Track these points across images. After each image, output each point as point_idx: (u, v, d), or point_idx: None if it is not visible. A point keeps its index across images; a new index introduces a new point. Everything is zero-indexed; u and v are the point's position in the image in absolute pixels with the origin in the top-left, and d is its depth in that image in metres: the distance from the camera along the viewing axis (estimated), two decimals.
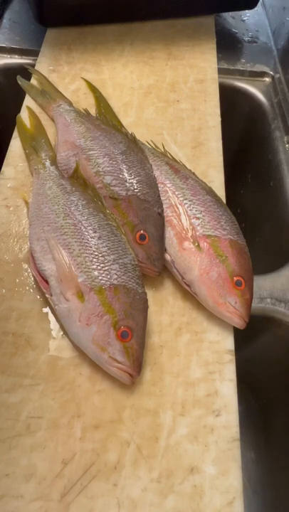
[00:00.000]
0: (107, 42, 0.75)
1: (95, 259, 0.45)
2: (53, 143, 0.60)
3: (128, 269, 0.45)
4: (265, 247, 0.75)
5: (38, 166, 0.56)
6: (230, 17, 0.88)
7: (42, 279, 0.47)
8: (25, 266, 0.51)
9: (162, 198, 0.52)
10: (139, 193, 0.51)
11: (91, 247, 0.46)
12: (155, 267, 0.48)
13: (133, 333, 0.42)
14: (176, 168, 0.56)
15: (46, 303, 0.48)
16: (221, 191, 0.58)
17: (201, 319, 0.49)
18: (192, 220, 0.50)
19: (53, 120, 0.63)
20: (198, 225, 0.50)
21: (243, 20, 0.89)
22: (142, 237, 0.49)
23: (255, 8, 0.83)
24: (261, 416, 0.74)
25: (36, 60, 0.72)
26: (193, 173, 0.56)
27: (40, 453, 0.40)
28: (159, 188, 0.53)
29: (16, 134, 0.61)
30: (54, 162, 0.56)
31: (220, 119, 0.67)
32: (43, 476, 0.39)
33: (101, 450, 0.41)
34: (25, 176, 0.58)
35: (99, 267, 0.45)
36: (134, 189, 0.51)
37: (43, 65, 0.71)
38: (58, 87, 0.66)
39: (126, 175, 0.53)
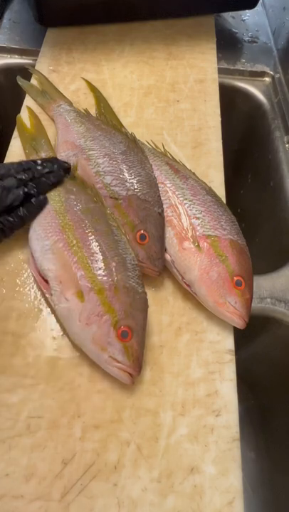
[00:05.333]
0: (107, 42, 0.75)
1: (95, 259, 0.45)
2: (53, 143, 0.60)
3: (128, 268, 0.45)
4: (265, 247, 0.75)
5: None
6: (230, 17, 0.88)
7: (42, 279, 0.47)
8: (25, 266, 0.51)
9: (162, 198, 0.52)
10: (139, 193, 0.51)
11: (91, 246, 0.46)
12: (155, 266, 0.48)
13: (133, 333, 0.42)
14: (176, 168, 0.56)
15: (46, 303, 0.48)
16: (221, 191, 0.58)
17: (201, 319, 0.49)
18: (192, 220, 0.50)
19: (53, 120, 0.63)
20: (198, 225, 0.50)
21: (243, 20, 0.89)
22: (143, 237, 0.49)
23: (255, 8, 0.83)
24: (261, 416, 0.74)
25: (36, 60, 0.72)
26: (193, 173, 0.56)
27: (40, 453, 0.40)
28: (159, 188, 0.53)
29: (16, 134, 0.61)
30: None
31: (220, 119, 0.67)
32: (43, 476, 0.39)
33: (101, 450, 0.41)
34: None
35: (99, 267, 0.45)
36: (135, 189, 0.51)
37: (43, 65, 0.71)
38: (58, 87, 0.66)
39: (126, 175, 0.53)
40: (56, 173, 0.52)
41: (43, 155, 0.57)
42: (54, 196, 0.51)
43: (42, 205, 0.50)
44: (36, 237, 0.49)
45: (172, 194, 0.53)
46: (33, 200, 0.50)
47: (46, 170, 0.51)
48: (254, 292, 0.49)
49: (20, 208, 0.49)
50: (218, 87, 0.71)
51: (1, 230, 0.48)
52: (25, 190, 0.49)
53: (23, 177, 0.49)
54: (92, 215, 0.49)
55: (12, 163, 0.50)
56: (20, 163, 0.51)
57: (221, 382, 0.45)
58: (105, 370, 0.43)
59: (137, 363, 0.42)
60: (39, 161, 0.52)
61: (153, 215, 0.50)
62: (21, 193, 0.49)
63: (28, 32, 0.79)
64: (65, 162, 0.54)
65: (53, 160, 0.53)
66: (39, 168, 0.51)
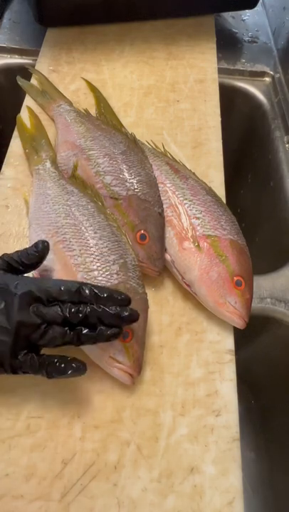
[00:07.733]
0: (107, 42, 0.75)
1: (95, 260, 0.45)
2: (53, 143, 0.60)
3: (128, 269, 0.45)
4: (265, 247, 0.75)
5: (38, 166, 0.56)
6: (230, 17, 0.88)
7: None
8: None
9: (162, 198, 0.52)
10: (139, 193, 0.51)
11: (92, 247, 0.46)
12: (156, 266, 0.48)
13: (133, 334, 0.42)
14: (176, 168, 0.56)
15: None
16: (221, 191, 0.58)
17: (201, 319, 0.49)
18: (192, 220, 0.50)
19: (53, 120, 0.63)
20: (198, 224, 0.50)
21: (243, 20, 0.89)
22: (143, 237, 0.49)
23: (255, 8, 0.83)
24: (261, 416, 0.74)
25: (36, 60, 0.72)
26: (193, 173, 0.56)
27: (40, 453, 0.40)
28: (159, 188, 0.53)
29: (16, 134, 0.61)
30: (54, 162, 0.56)
31: (220, 119, 0.67)
32: (43, 476, 0.39)
33: (101, 450, 0.41)
34: (25, 176, 0.58)
35: (99, 268, 0.44)
36: (135, 189, 0.51)
37: (43, 65, 0.71)
38: (58, 87, 0.66)
39: (126, 175, 0.53)
40: (115, 331, 0.38)
41: (43, 155, 0.57)
42: (54, 197, 0.51)
43: (76, 372, 0.37)
44: (36, 238, 0.49)
45: (172, 194, 0.53)
46: (69, 366, 0.37)
47: (109, 317, 0.37)
48: (254, 292, 0.49)
49: (55, 361, 0.36)
50: (218, 87, 0.71)
51: (14, 371, 0.37)
52: (70, 333, 0.37)
53: (74, 313, 0.37)
54: (92, 215, 0.48)
55: (70, 285, 0.38)
56: (79, 290, 0.37)
57: (221, 382, 0.45)
58: (105, 370, 0.43)
59: (138, 363, 0.42)
60: (106, 294, 0.38)
61: (153, 215, 0.50)
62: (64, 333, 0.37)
63: (28, 32, 0.79)
64: (135, 311, 0.38)
65: (125, 302, 0.38)
66: (99, 310, 0.37)
